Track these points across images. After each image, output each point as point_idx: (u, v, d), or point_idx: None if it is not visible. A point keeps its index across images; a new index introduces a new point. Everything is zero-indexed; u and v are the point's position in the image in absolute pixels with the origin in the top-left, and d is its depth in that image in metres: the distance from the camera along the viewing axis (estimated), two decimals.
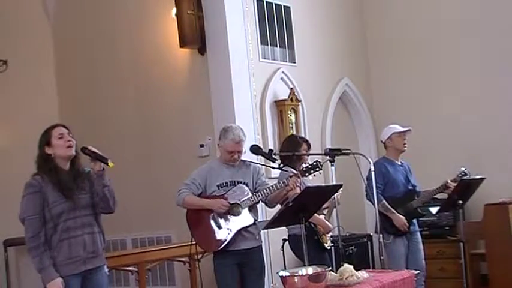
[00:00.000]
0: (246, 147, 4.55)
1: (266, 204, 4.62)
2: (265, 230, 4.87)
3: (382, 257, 4.68)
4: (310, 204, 3.84)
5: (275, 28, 6.88)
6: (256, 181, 4.50)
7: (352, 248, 6.61)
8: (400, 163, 5.54)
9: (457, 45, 7.43)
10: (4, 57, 7.69)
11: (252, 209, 4.46)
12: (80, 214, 3.64)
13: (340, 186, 4.16)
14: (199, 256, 4.79)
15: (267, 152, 4.63)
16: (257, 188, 4.46)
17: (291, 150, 5.00)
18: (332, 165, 4.45)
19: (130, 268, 5.71)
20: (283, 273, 3.32)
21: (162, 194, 6.58)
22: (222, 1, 6.28)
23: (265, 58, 6.72)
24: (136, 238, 7.36)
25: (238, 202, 4.37)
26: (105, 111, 7.70)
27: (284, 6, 7.02)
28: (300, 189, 4.24)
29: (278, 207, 4.49)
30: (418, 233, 5.55)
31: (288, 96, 6.73)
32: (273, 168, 4.73)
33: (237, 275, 4.45)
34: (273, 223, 3.88)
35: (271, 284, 5.96)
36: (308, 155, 5.07)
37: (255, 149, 4.62)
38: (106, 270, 3.82)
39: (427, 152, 7.33)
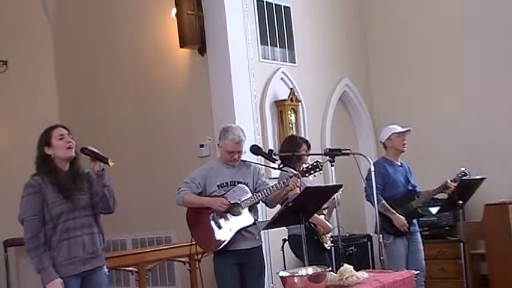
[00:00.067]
0: (246, 147, 4.55)
1: (266, 205, 4.62)
2: (265, 230, 4.86)
3: (382, 257, 4.68)
4: (310, 204, 3.84)
5: (275, 28, 6.88)
6: (257, 181, 4.50)
7: (352, 248, 6.61)
8: (399, 163, 5.54)
9: (457, 45, 7.42)
10: (4, 57, 7.69)
11: (252, 209, 4.46)
12: (80, 215, 3.64)
13: (340, 186, 4.16)
14: (199, 256, 4.79)
15: (267, 152, 4.63)
16: (257, 188, 4.46)
17: (291, 150, 5.00)
18: (332, 165, 4.45)
19: (130, 268, 5.71)
20: (283, 273, 3.32)
21: (162, 194, 6.57)
22: (222, 1, 6.28)
23: (265, 58, 6.72)
24: (136, 238, 7.36)
25: (239, 202, 4.37)
26: (105, 111, 7.70)
27: (284, 6, 7.02)
28: (300, 190, 4.24)
29: (278, 207, 4.49)
30: (418, 233, 5.55)
31: (288, 97, 6.73)
32: (273, 168, 4.73)
33: (237, 275, 4.45)
34: (273, 223, 3.88)
35: (271, 284, 5.96)
36: (308, 155, 5.08)
37: (255, 149, 4.61)
38: (106, 270, 3.82)
39: (427, 152, 7.33)
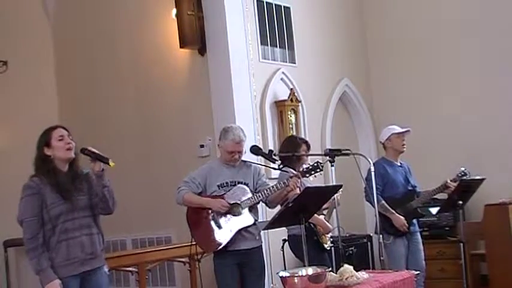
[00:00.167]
0: (246, 147, 4.55)
1: (266, 205, 4.63)
2: (265, 231, 4.87)
3: (382, 258, 4.68)
4: (310, 204, 3.84)
5: (275, 28, 6.88)
6: (257, 181, 4.50)
7: (352, 248, 6.60)
8: (399, 163, 5.54)
9: (457, 45, 7.42)
10: (4, 57, 7.68)
11: (253, 209, 4.46)
12: (79, 215, 3.63)
13: (340, 186, 4.16)
14: (199, 256, 4.79)
15: (267, 152, 4.64)
16: (258, 188, 4.46)
17: (291, 150, 5.00)
18: (332, 165, 4.46)
19: (130, 269, 5.72)
20: (283, 273, 3.32)
21: (162, 194, 6.57)
22: (222, 1, 6.28)
23: (265, 58, 6.72)
24: (136, 238, 7.36)
25: (239, 202, 4.37)
26: (105, 111, 7.70)
27: (284, 6, 7.02)
28: (300, 190, 4.24)
29: (278, 207, 4.49)
30: (418, 234, 5.55)
31: (288, 97, 6.73)
32: (273, 168, 4.74)
33: (237, 275, 4.45)
34: (273, 223, 3.88)
35: (271, 285, 5.95)
36: (308, 156, 5.08)
37: (255, 150, 4.62)
38: (106, 270, 3.82)
39: (427, 152, 7.33)
